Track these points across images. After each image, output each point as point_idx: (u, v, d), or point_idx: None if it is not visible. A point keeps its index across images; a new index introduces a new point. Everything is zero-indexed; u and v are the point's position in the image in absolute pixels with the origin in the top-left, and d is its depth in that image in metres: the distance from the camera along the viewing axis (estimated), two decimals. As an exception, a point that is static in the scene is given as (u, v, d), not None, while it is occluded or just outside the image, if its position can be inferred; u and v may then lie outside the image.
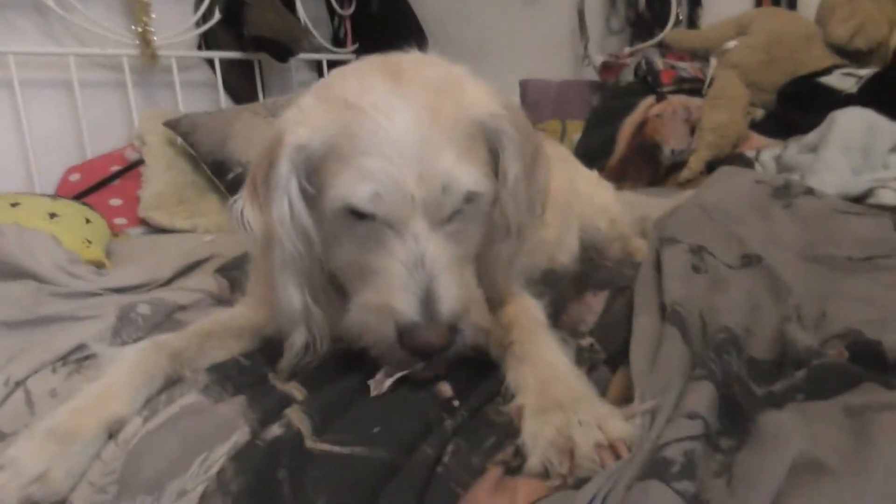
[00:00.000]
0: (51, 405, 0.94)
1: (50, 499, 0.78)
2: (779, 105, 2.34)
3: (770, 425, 0.57)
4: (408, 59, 0.89)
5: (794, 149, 2.02)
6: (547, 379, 0.75)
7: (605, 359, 0.86)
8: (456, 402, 0.79)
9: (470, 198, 0.82)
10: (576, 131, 2.73)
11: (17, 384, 0.99)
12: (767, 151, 2.14)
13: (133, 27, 2.53)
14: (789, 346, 0.74)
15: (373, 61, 0.90)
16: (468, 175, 0.80)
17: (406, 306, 0.77)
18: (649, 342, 0.79)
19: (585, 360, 0.86)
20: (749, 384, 0.69)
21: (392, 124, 0.79)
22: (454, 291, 0.79)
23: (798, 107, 2.26)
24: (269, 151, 0.86)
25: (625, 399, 0.76)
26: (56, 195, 2.11)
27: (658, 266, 1.06)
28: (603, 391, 0.79)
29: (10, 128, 2.29)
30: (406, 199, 0.78)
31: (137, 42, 2.53)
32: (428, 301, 0.77)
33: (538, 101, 2.95)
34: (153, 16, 2.56)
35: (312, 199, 0.85)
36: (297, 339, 0.90)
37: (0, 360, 1.03)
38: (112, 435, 0.85)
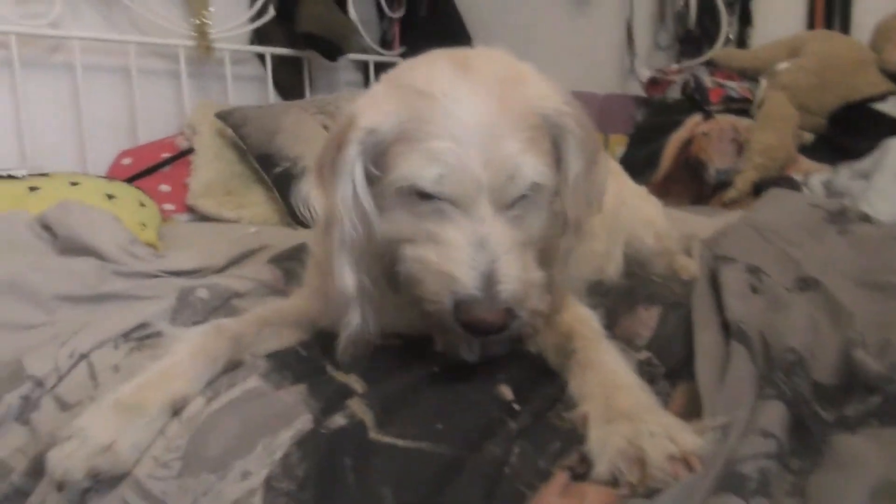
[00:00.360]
0: (113, 379, 0.97)
1: (115, 470, 0.80)
2: (830, 129, 2.32)
3: (846, 449, 0.58)
4: (475, 53, 0.91)
5: (845, 174, 2.00)
6: (612, 388, 0.76)
7: (665, 373, 0.87)
8: (517, 406, 0.80)
9: (533, 188, 0.83)
10: (618, 145, 2.73)
11: (82, 356, 1.02)
12: (816, 176, 2.12)
13: (191, 19, 2.58)
14: (859, 372, 0.73)
15: (441, 54, 0.92)
16: (533, 166, 0.81)
17: (467, 279, 0.77)
18: (715, 358, 0.79)
19: (645, 374, 0.86)
20: (816, 407, 0.69)
21: (460, 109, 0.80)
22: (515, 274, 0.78)
23: (850, 132, 2.24)
24: (339, 135, 0.88)
25: (686, 414, 0.76)
26: (110, 177, 2.16)
27: (714, 283, 1.06)
28: (664, 405, 0.79)
29: (68, 109, 2.36)
30: (472, 181, 0.79)
31: (194, 34, 2.58)
32: (489, 280, 0.77)
33: (582, 113, 2.95)
34: (211, 9, 2.61)
35: (376, 182, 0.86)
36: (353, 318, 0.90)
37: (65, 332, 1.06)
38: (176, 412, 0.87)
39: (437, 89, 0.82)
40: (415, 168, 0.80)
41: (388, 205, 0.86)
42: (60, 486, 0.81)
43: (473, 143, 0.79)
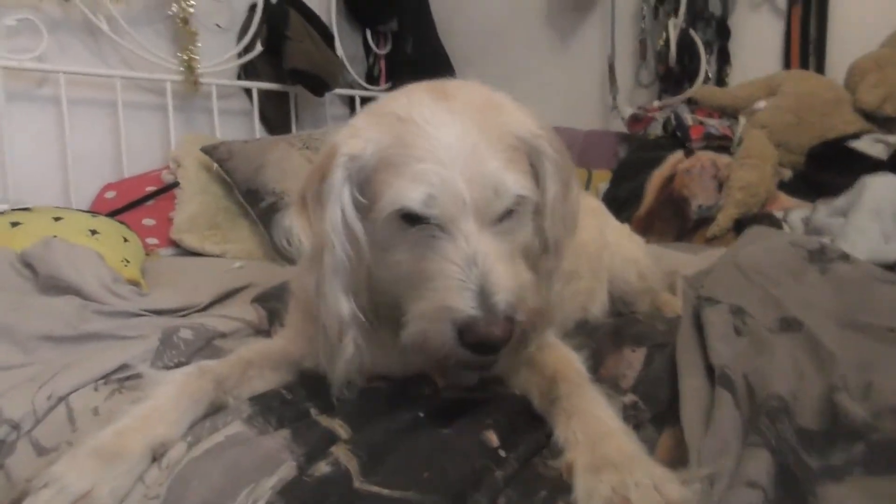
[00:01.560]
0: (92, 423, 0.96)
1: (94, 519, 0.79)
2: (808, 166, 2.36)
3: (833, 499, 0.58)
4: (453, 84, 0.94)
5: (823, 211, 2.04)
6: (597, 436, 0.75)
7: (650, 418, 0.87)
8: (503, 452, 0.79)
9: (518, 201, 0.85)
10: (601, 180, 2.76)
11: (60, 399, 1.00)
12: (796, 212, 2.16)
13: (179, 54, 2.60)
14: (841, 418, 0.74)
15: (420, 85, 0.95)
16: (516, 180, 0.84)
17: (462, 303, 0.78)
18: (700, 405, 0.79)
19: (630, 418, 0.86)
20: (802, 456, 0.69)
21: (441, 133, 0.83)
22: (508, 283, 0.80)
23: (827, 169, 2.28)
24: (322, 164, 0.89)
25: (673, 460, 0.76)
26: (94, 212, 2.15)
27: (697, 325, 1.07)
28: (651, 451, 0.78)
29: (53, 142, 2.35)
30: (458, 200, 0.80)
31: (182, 68, 2.60)
32: (484, 295, 0.78)
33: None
34: (198, 44, 2.63)
35: (363, 209, 0.88)
36: (348, 344, 0.90)
37: (44, 374, 1.05)
38: (156, 458, 0.86)
39: (417, 115, 0.85)
40: (402, 191, 0.81)
41: (379, 233, 0.87)
42: (37, 536, 0.79)
43: (457, 164, 0.81)
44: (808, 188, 2.29)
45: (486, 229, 0.83)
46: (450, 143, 0.82)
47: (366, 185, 0.87)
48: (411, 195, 0.81)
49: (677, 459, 0.75)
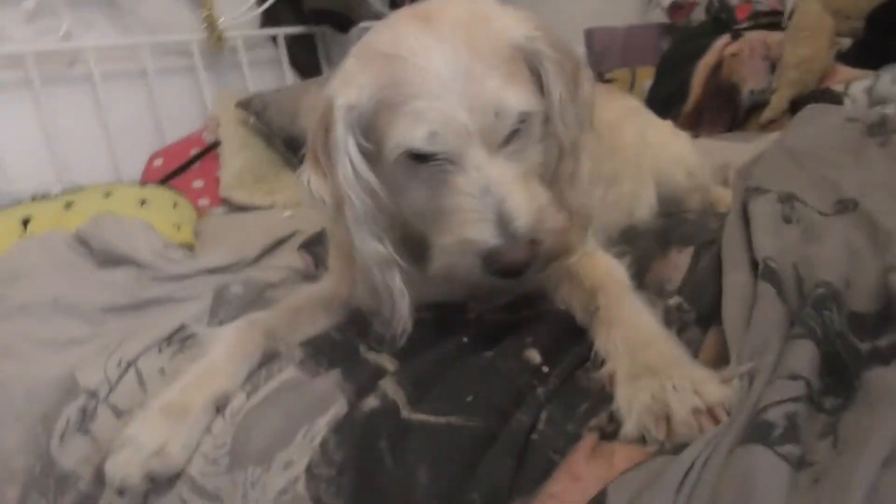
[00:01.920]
0: (160, 383, 1.01)
1: (169, 471, 0.85)
2: (868, 32, 2.19)
3: (878, 383, 0.56)
4: (435, 4, 0.89)
5: (887, 78, 1.90)
6: (637, 344, 0.75)
7: (696, 318, 0.85)
8: (545, 369, 0.80)
9: (522, 118, 0.83)
10: (646, 78, 2.63)
11: (129, 364, 1.06)
12: (857, 84, 2.01)
13: (198, 11, 2.59)
14: (894, 299, 0.70)
15: (401, 12, 0.91)
16: (516, 97, 0.81)
17: (483, 234, 0.78)
18: (743, 301, 0.76)
19: (675, 321, 0.85)
20: (852, 340, 0.67)
21: (431, 63, 0.80)
22: (525, 206, 0.79)
23: (890, 33, 2.11)
24: (323, 118, 0.88)
25: (719, 360, 0.75)
26: (143, 182, 2.21)
27: (745, 218, 1.03)
28: (695, 352, 0.77)
29: (93, 120, 2.40)
30: (461, 130, 0.79)
31: (204, 26, 2.59)
32: (503, 223, 0.78)
33: (605, 50, 2.86)
34: (215, -1, 2.61)
35: (372, 155, 0.87)
36: (394, 281, 0.90)
37: (111, 343, 1.10)
38: (219, 409, 0.90)
39: (404, 50, 0.82)
40: (405, 132, 0.80)
41: (391, 175, 0.86)
42: (121, 492, 0.85)
43: (453, 93, 0.79)
44: (869, 56, 2.12)
45: (496, 154, 0.81)
46: (442, 72, 0.79)
47: (369, 130, 0.85)
48: (414, 136, 0.79)
49: (723, 358, 0.74)
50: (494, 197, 0.79)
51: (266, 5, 2.83)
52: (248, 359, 0.96)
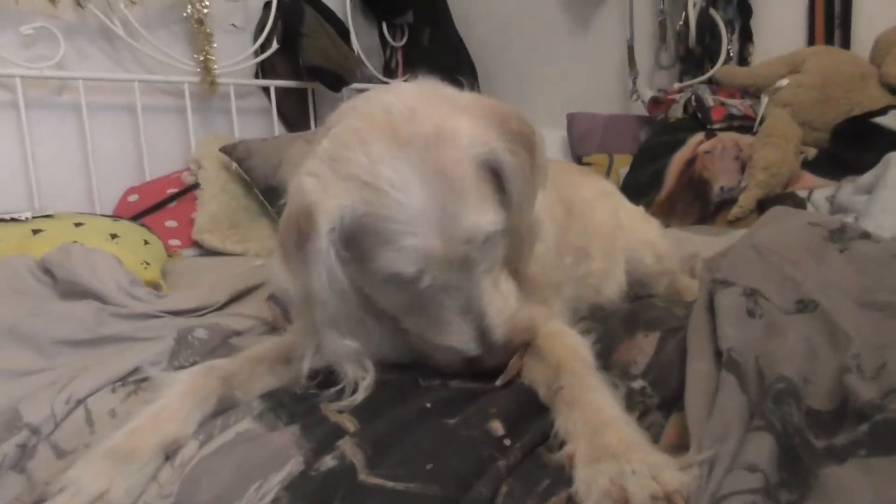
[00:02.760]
0: (110, 425, 0.98)
1: (109, 519, 0.81)
2: (832, 144, 2.30)
3: (833, 481, 0.56)
4: (398, 112, 0.90)
5: (848, 189, 1.98)
6: (597, 426, 0.75)
7: (658, 403, 0.86)
8: (508, 441, 0.79)
9: (489, 236, 0.91)
10: (623, 165, 2.72)
11: (79, 402, 1.02)
12: (820, 191, 2.11)
13: (195, 55, 2.63)
14: (850, 398, 0.72)
15: (365, 119, 0.91)
16: (486, 223, 0.89)
17: (468, 346, 0.93)
18: (705, 390, 0.78)
19: (637, 405, 0.86)
20: (808, 436, 0.68)
21: (412, 200, 0.85)
22: (500, 318, 0.93)
23: (852, 146, 2.22)
24: (297, 223, 0.88)
25: (680, 447, 0.75)
26: (116, 215, 2.19)
27: (711, 309, 1.05)
28: (656, 437, 0.78)
29: (75, 148, 2.40)
30: (444, 264, 0.88)
31: (199, 70, 2.63)
32: (483, 336, 0.92)
33: (585, 134, 2.96)
34: (214, 45, 2.66)
35: (351, 260, 0.90)
36: (350, 372, 0.96)
37: (63, 378, 1.07)
38: (168, 456, 0.87)
39: (383, 182, 0.85)
40: (395, 264, 0.88)
41: (376, 283, 0.93)
42: (56, 539, 0.81)
43: (434, 229, 0.86)
44: (833, 166, 2.23)
45: (471, 273, 0.91)
46: (422, 209, 0.85)
47: (350, 243, 0.89)
48: (404, 270, 0.87)
49: (683, 445, 0.74)
50: (475, 314, 0.92)
51: (262, 57, 2.89)
52: (202, 405, 0.94)
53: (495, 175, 0.92)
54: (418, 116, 0.89)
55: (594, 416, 0.77)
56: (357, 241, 0.89)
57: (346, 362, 0.95)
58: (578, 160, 2.89)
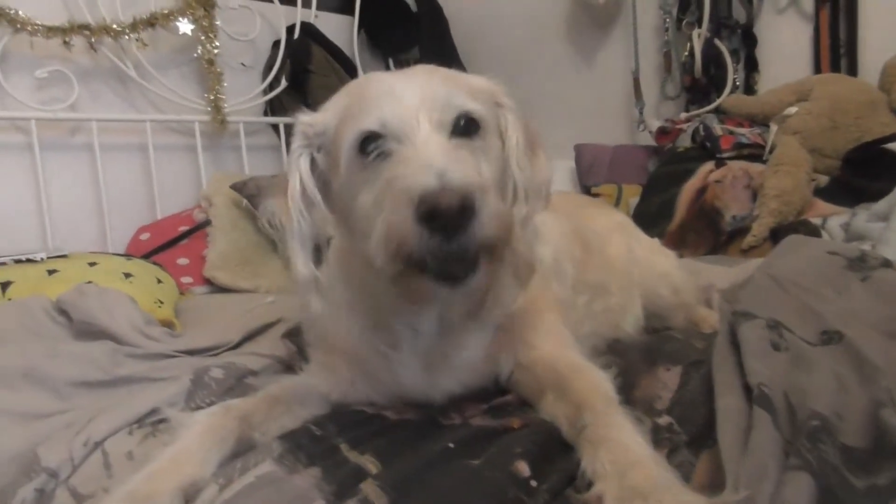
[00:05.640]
0: (127, 468, 0.96)
1: (130, 564, 0.79)
2: (844, 171, 2.30)
3: (879, 525, 0.54)
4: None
5: (863, 217, 1.97)
6: (625, 465, 0.73)
7: (687, 441, 0.84)
8: (534, 483, 0.77)
9: (470, 118, 0.88)
10: (632, 195, 2.72)
11: (96, 445, 1.01)
12: (834, 219, 2.10)
13: (206, 94, 2.66)
14: (887, 434, 0.70)
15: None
16: (465, 99, 0.88)
17: (419, 181, 0.76)
18: (738, 426, 0.76)
19: (665, 442, 0.84)
20: (847, 475, 0.66)
21: (394, 79, 0.90)
22: (469, 172, 0.79)
23: (864, 173, 2.22)
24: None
25: (712, 486, 0.73)
26: (128, 254, 2.19)
27: (733, 342, 1.04)
28: (687, 476, 0.76)
29: (88, 188, 2.42)
30: (411, 115, 0.84)
31: (209, 108, 2.66)
32: (440, 174, 0.76)
33: (593, 165, 2.97)
34: (224, 84, 2.69)
35: (331, 172, 0.93)
36: (314, 303, 0.95)
37: (79, 420, 1.06)
38: (188, 500, 0.86)
39: (373, 77, 0.93)
40: (358, 124, 0.86)
41: (343, 186, 0.91)
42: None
43: (408, 91, 0.86)
44: (845, 194, 2.23)
45: (443, 136, 0.85)
46: (403, 82, 0.88)
47: (330, 147, 0.92)
48: (366, 122, 0.85)
49: (716, 483, 0.72)
50: (440, 159, 0.78)
51: (270, 96, 2.92)
52: (220, 446, 0.92)
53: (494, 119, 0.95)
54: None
55: (622, 456, 0.75)
56: (335, 139, 0.90)
57: (310, 293, 0.94)
58: (587, 191, 2.89)
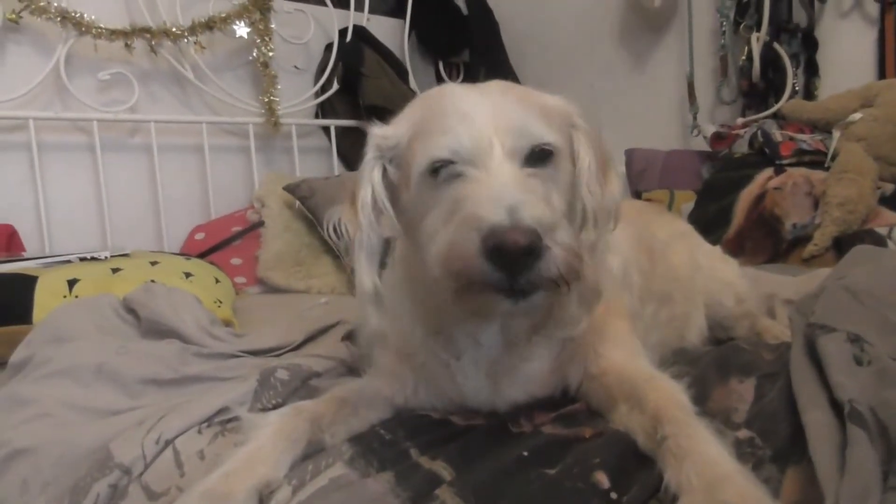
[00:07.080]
0: (198, 467, 0.97)
1: (208, 562, 0.80)
2: (911, 180, 2.22)
3: None
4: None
5: (933, 227, 1.90)
6: (714, 479, 0.70)
7: (771, 455, 0.81)
8: (614, 495, 0.76)
9: (544, 146, 0.86)
10: (684, 201, 2.67)
11: (167, 443, 1.02)
12: (902, 229, 2.02)
13: (260, 97, 2.70)
14: None
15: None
16: (541, 128, 0.86)
17: (488, 210, 0.75)
18: (831, 442, 0.73)
19: (748, 456, 0.81)
20: (952, 499, 0.63)
21: (471, 98, 0.88)
22: (539, 208, 0.77)
23: (933, 181, 2.14)
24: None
25: (801, 503, 0.71)
26: (185, 253, 2.23)
27: (810, 354, 1.00)
28: (775, 492, 0.73)
29: (146, 188, 2.47)
30: (485, 143, 0.83)
31: (263, 111, 2.69)
32: (511, 210, 0.74)
33: (645, 170, 2.92)
34: (278, 87, 2.72)
35: (402, 184, 0.92)
36: (371, 318, 0.95)
37: (151, 417, 1.07)
38: (262, 500, 0.86)
39: (447, 92, 0.92)
40: (431, 148, 0.85)
41: (413, 201, 0.91)
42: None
43: (483, 116, 0.85)
44: (913, 203, 2.16)
45: (516, 164, 0.84)
46: (477, 103, 0.86)
47: (402, 161, 0.92)
48: (439, 145, 0.84)
49: (805, 500, 0.70)
50: (510, 193, 0.77)
51: (322, 98, 2.95)
52: (293, 447, 0.93)
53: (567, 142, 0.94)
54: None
55: (709, 470, 0.72)
56: (407, 153, 0.90)
57: (370, 304, 0.94)
58: (638, 196, 2.85)
